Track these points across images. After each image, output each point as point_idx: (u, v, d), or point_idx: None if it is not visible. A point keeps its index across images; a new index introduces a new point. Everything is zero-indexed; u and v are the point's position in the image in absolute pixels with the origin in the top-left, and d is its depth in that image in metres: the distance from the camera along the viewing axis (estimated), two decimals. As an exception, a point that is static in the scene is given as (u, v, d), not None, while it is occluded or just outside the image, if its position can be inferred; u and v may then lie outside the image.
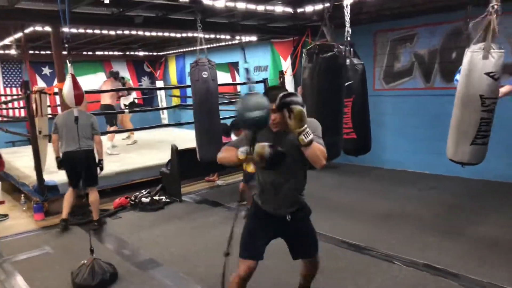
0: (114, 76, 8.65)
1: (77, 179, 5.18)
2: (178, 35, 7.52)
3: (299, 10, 5.71)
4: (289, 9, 5.70)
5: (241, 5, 5.21)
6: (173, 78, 12.15)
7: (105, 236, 5.09)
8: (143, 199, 6.16)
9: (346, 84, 4.28)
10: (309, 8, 5.60)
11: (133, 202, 6.17)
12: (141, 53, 11.07)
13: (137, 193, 6.31)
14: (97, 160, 5.31)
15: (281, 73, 8.51)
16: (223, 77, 11.57)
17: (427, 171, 7.16)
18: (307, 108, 4.10)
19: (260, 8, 5.42)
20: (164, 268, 4.14)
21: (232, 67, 11.48)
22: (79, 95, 3.68)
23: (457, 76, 5.33)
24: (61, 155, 5.18)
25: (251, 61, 9.77)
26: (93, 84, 10.93)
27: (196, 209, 5.93)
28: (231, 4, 5.14)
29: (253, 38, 8.46)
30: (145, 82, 12.29)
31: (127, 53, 11.04)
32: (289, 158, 2.50)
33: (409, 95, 7.13)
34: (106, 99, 8.20)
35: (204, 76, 5.19)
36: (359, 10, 6.83)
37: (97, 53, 10.39)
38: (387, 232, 4.74)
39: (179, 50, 11.23)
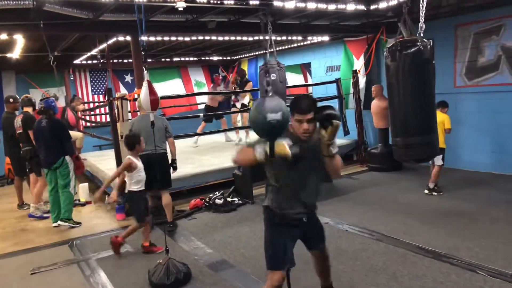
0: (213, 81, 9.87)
1: (151, 180, 5.40)
2: (250, 39, 7.63)
3: (372, 7, 5.50)
4: (362, 7, 5.52)
5: (311, 5, 5.14)
6: (246, 82, 12.34)
7: (180, 236, 5.27)
8: (217, 201, 6.31)
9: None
10: (383, 4, 5.37)
11: (207, 204, 6.34)
12: (215, 58, 11.39)
13: (211, 195, 6.47)
14: (170, 161, 5.50)
15: (355, 73, 8.28)
16: (295, 79, 11.56)
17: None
18: (395, 109, 3.98)
19: (331, 7, 5.30)
20: (236, 269, 4.20)
21: (304, 68, 11.41)
22: (154, 100, 3.86)
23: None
24: None
25: (322, 61, 9.63)
26: (170, 90, 11.47)
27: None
28: (301, 4, 5.09)
29: (325, 38, 8.33)
30: (220, 87, 12.61)
31: (202, 58, 11.42)
32: (309, 163, 2.64)
33: (495, 92, 6.58)
34: (207, 101, 9.79)
35: (273, 78, 5.20)
36: (438, 3, 6.46)
37: (174, 59, 10.86)
38: (470, 239, 4.40)
39: (252, 54, 11.39)
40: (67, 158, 5.87)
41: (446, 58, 6.98)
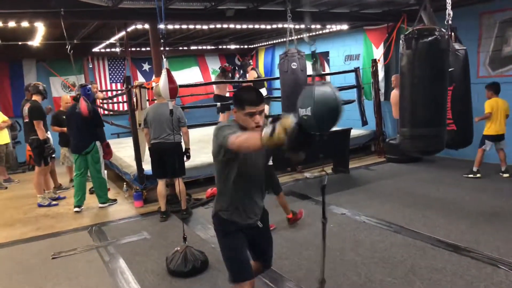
0: (222, 70, 9.62)
1: (164, 169, 5.43)
2: (269, 27, 7.56)
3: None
4: (383, -6, 5.40)
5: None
6: (261, 71, 12.27)
7: (197, 224, 5.31)
8: (233, 190, 6.30)
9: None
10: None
11: (224, 192, 6.34)
12: (232, 47, 11.34)
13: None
14: (184, 150, 5.53)
15: (374, 62, 8.15)
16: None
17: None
18: (405, 98, 3.90)
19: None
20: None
21: (322, 57, 11.26)
22: (173, 89, 3.86)
23: None
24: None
25: (341, 50, 9.50)
26: (188, 78, 11.47)
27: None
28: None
29: (344, 26, 8.20)
30: (237, 75, 12.59)
31: (219, 46, 11.38)
32: (262, 162, 2.53)
33: (520, 83, 6.41)
34: (216, 90, 9.32)
35: (293, 67, 5.16)
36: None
37: (192, 47, 10.84)
38: (491, 233, 4.33)
39: (269, 42, 11.30)
40: (98, 143, 6.00)
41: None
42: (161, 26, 3.82)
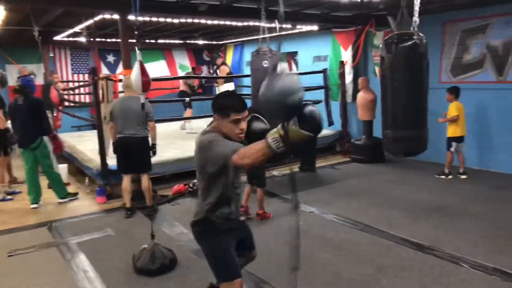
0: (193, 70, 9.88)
1: (130, 164, 5.30)
2: (240, 24, 7.51)
3: (366, -1, 5.48)
4: (356, -2, 5.50)
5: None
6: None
7: (164, 221, 5.20)
8: (201, 187, 6.24)
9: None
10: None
11: (191, 189, 6.27)
12: (201, 42, 11.21)
13: (195, 181, 6.39)
14: (150, 145, 5.40)
15: (341, 64, 8.29)
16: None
17: (493, 169, 6.74)
18: (387, 101, 3.98)
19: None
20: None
21: (290, 57, 11.35)
22: (146, 82, 3.76)
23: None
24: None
25: (310, 50, 9.60)
26: (154, 72, 11.23)
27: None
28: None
29: (314, 27, 8.28)
30: (204, 72, 12.46)
31: (188, 41, 11.22)
32: None
33: (479, 89, 6.71)
34: (182, 86, 9.37)
35: (265, 65, 5.14)
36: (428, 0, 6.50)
37: (159, 41, 10.62)
38: (453, 232, 4.51)
39: (238, 40, 11.26)
40: (45, 138, 5.71)
41: (432, 54, 7.01)
42: (136, 17, 3.71)
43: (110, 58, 11.47)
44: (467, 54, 6.87)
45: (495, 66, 6.55)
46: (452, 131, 6.36)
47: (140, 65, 3.75)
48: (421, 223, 4.82)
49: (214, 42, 11.59)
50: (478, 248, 4.08)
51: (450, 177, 6.54)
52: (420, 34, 3.87)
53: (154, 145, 5.45)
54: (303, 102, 1.97)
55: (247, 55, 11.80)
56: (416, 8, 4.25)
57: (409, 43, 3.80)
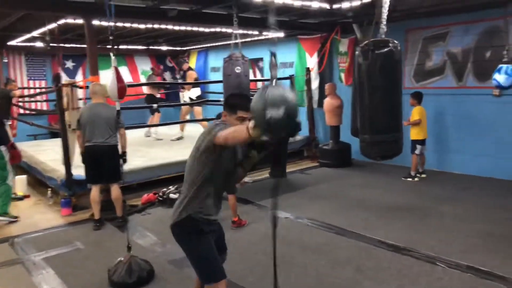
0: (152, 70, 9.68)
1: (99, 173, 5.12)
2: (207, 30, 7.45)
3: (335, 6, 5.58)
4: (326, 5, 5.58)
5: (278, 0, 5.12)
6: (193, 74, 12.11)
7: (135, 232, 5.04)
8: (172, 195, 6.10)
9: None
10: (346, 4, 5.46)
11: (161, 198, 6.13)
12: (164, 48, 11.02)
13: (165, 189, 6.26)
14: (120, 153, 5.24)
15: (307, 70, 8.41)
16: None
17: (458, 171, 7.02)
18: (364, 107, 4.06)
19: (297, 3, 5.31)
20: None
21: (254, 63, 11.39)
22: (122, 88, 3.64)
23: (496, 76, 5.26)
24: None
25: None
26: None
27: (227, 206, 5.85)
28: (268, -2, 5.06)
29: (281, 34, 8.36)
30: (167, 77, 12.26)
31: (150, 47, 11.00)
32: (233, 164, 2.61)
33: (440, 94, 7.00)
34: (148, 90, 9.17)
35: (237, 71, 5.14)
36: (392, 8, 6.71)
37: (121, 46, 10.32)
38: (425, 233, 4.64)
39: (202, 46, 11.18)
40: (2, 148, 5.38)
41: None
42: (110, 22, 3.60)
43: (69, 64, 11.06)
44: (428, 61, 7.16)
45: (455, 72, 6.86)
46: (415, 134, 6.60)
47: (116, 71, 3.62)
48: (394, 225, 4.93)
49: (177, 48, 11.43)
50: (452, 247, 4.22)
51: (416, 179, 6.76)
52: (395, 41, 3.99)
53: (124, 153, 5.27)
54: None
55: (212, 61, 11.75)
56: (384, 16, 4.41)
57: (385, 50, 3.91)
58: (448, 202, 5.62)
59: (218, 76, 11.43)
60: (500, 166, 6.46)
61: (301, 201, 5.98)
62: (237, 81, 5.12)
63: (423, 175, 6.84)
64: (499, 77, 5.14)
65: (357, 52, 4.17)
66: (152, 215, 5.70)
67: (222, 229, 2.87)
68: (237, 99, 2.65)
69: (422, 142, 6.65)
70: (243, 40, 9.39)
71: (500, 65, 5.19)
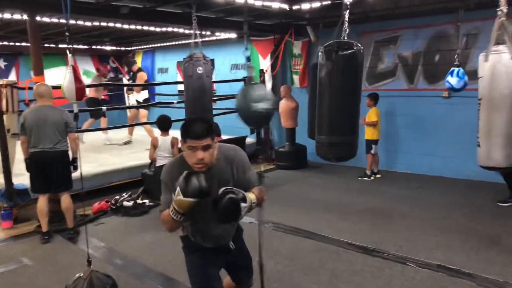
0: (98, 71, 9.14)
1: (48, 182, 4.74)
2: (158, 29, 7.12)
3: (294, 7, 5.54)
4: (285, 6, 5.52)
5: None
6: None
7: (90, 244, 4.67)
8: (125, 203, 5.78)
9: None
10: (305, 6, 5.44)
11: (114, 206, 5.78)
12: (108, 47, 10.45)
13: (118, 197, 5.90)
14: (71, 159, 4.91)
15: (262, 72, 8.34)
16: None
17: (409, 171, 7.27)
18: (323, 108, 4.01)
19: (258, 3, 5.20)
20: (166, 278, 3.87)
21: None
22: (80, 89, 3.31)
23: (449, 78, 5.47)
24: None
25: (227, 58, 9.51)
26: (56, 79, 10.18)
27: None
28: (230, -3, 4.91)
29: (233, 35, 8.21)
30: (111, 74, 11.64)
31: (93, 46, 10.37)
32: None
33: (392, 96, 7.20)
34: (91, 92, 8.36)
35: (199, 72, 4.92)
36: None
37: (60, 45, 9.62)
38: (391, 233, 4.70)
39: (149, 46, 10.76)
40: None
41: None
42: (67, 19, 3.27)
43: (1, 63, 10.17)
44: (381, 64, 7.35)
45: (406, 75, 7.10)
46: (370, 134, 6.75)
47: (73, 71, 3.29)
48: (359, 226, 4.96)
49: (122, 48, 10.89)
50: (418, 247, 4.30)
51: (372, 178, 6.92)
52: (358, 44, 3.99)
53: (75, 159, 4.93)
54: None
55: (159, 62, 11.34)
56: (346, 18, 4.42)
57: (349, 52, 3.89)
58: (406, 202, 5.77)
59: (166, 77, 11.12)
60: (448, 165, 6.76)
61: (263, 204, 5.85)
62: (199, 82, 4.90)
63: (378, 175, 7.01)
64: (452, 80, 5.34)
65: (320, 53, 4.11)
66: (106, 225, 5.35)
67: (243, 252, 2.72)
68: (190, 124, 2.16)
69: (376, 142, 6.81)
70: (195, 40, 9.17)
71: (452, 68, 5.40)
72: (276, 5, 5.44)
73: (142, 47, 11.01)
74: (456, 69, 5.38)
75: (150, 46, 10.77)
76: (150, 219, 5.50)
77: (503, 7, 3.61)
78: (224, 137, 7.10)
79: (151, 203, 5.88)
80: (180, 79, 10.43)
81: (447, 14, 6.17)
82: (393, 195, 6.10)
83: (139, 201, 5.85)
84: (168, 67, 11.12)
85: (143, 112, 8.50)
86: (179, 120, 6.93)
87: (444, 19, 6.36)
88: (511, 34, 3.49)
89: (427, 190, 6.30)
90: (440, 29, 6.59)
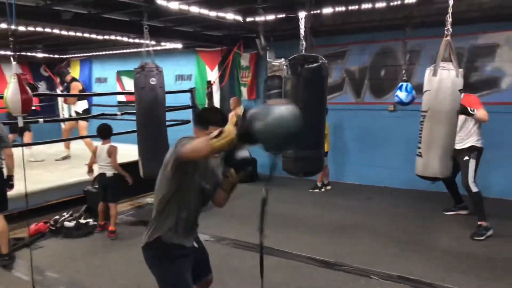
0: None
1: None
2: (100, 37, 6.72)
3: (248, 19, 5.47)
4: (239, 17, 5.43)
5: (194, 9, 4.81)
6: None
7: (28, 270, 4.20)
8: (66, 223, 5.31)
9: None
10: (259, 18, 5.39)
11: (53, 228, 5.30)
12: (39, 55, 9.69)
13: (57, 217, 5.42)
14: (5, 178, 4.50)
15: (209, 84, 8.17)
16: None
17: (357, 182, 7.43)
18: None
19: (213, 14, 5.06)
20: (124, 304, 3.57)
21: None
22: (27, 100, 2.95)
23: (398, 93, 5.67)
24: None
25: (172, 69, 9.22)
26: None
27: (134, 232, 5.26)
28: (184, 7, 4.72)
29: (179, 45, 7.98)
30: (42, 88, 10.81)
31: (22, 53, 9.57)
32: (208, 185, 2.48)
33: (340, 109, 7.34)
34: None
35: (152, 83, 4.69)
36: (296, 25, 6.87)
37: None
38: (349, 246, 4.72)
39: (85, 54, 10.17)
40: None
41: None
42: (13, 24, 2.92)
43: None
44: (328, 78, 7.46)
45: (353, 89, 7.29)
46: None
47: (19, 80, 2.93)
48: (317, 239, 4.93)
49: (56, 56, 10.16)
50: (378, 259, 4.33)
51: (323, 190, 6.98)
52: (323, 58, 4.00)
53: (11, 177, 4.48)
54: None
55: (97, 72, 10.77)
56: (302, 32, 4.44)
57: (314, 65, 3.88)
58: (358, 213, 5.87)
59: (104, 87, 10.58)
60: (394, 176, 6.99)
61: (217, 221, 5.65)
62: (152, 94, 4.66)
63: (328, 187, 7.09)
64: (401, 94, 5.54)
65: (284, 67, 4.08)
66: (46, 249, 4.88)
67: (205, 252, 2.70)
68: (209, 113, 2.44)
69: (326, 154, 6.88)
70: (138, 50, 8.80)
71: (401, 83, 5.60)
72: (230, 17, 5.34)
73: (78, 55, 10.38)
74: (404, 83, 5.59)
75: (87, 54, 10.18)
76: (96, 240, 5.10)
77: (449, 27, 3.78)
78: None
79: (95, 223, 5.47)
80: (119, 89, 9.99)
81: (393, 31, 6.42)
82: (344, 207, 6.18)
83: (82, 220, 5.40)
84: (107, 77, 10.58)
85: (82, 123, 7.93)
86: (123, 133, 6.60)
87: (390, 35, 6.62)
88: (455, 52, 3.66)
89: (376, 201, 6.46)
90: (386, 45, 6.86)
